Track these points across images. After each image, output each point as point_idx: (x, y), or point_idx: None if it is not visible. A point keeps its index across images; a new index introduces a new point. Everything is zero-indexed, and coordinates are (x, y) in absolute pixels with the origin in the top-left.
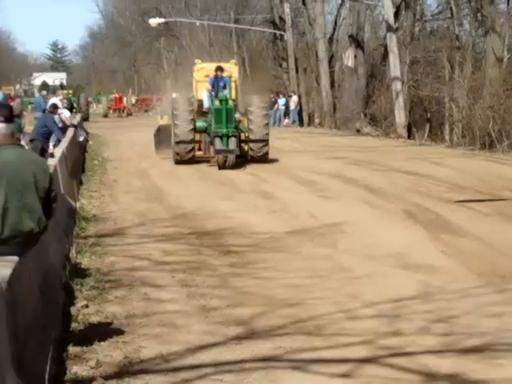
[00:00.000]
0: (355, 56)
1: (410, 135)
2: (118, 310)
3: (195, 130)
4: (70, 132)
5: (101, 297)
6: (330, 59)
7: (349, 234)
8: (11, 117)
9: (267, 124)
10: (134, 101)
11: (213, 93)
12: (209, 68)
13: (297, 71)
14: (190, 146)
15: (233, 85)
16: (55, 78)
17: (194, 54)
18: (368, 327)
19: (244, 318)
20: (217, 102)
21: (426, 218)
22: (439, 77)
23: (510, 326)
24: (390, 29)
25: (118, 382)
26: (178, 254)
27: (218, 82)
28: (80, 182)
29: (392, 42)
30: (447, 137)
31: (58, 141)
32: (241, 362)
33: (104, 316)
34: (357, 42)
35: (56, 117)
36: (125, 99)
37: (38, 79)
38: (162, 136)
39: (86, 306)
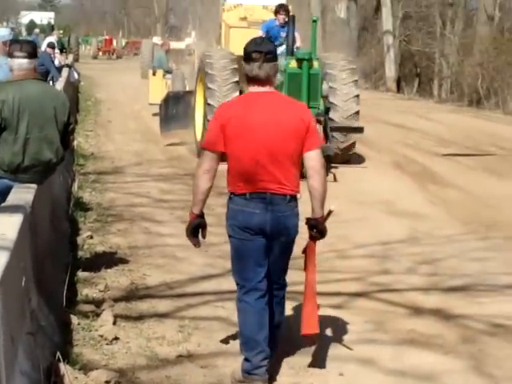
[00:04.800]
0: (347, 8)
1: (399, 89)
2: (121, 241)
3: None
4: (65, 72)
5: (104, 229)
6: (322, 10)
7: (339, 181)
8: (34, 52)
9: (357, 96)
10: (123, 43)
11: None
12: (248, 7)
13: None
14: None
15: (297, 36)
16: (43, 17)
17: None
18: (358, 266)
19: None
20: (292, 63)
21: (414, 169)
22: (430, 32)
23: (490, 270)
24: None
25: (126, 305)
26: (176, 193)
27: (279, 31)
28: (75, 122)
29: None
30: (436, 92)
31: (52, 79)
32: None
33: (108, 246)
34: None
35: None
36: (115, 42)
37: (26, 18)
38: (172, 108)
39: (91, 237)
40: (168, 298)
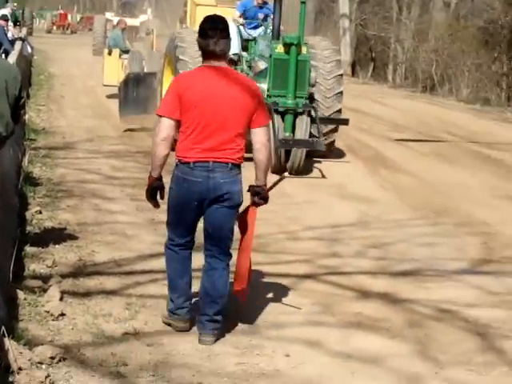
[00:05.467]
0: None
1: (353, 73)
2: (71, 217)
3: None
4: (18, 45)
5: (53, 204)
6: None
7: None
8: None
9: (341, 92)
10: (78, 19)
11: (244, 28)
12: None
13: None
14: None
15: None
16: None
17: None
18: (308, 248)
19: None
20: (279, 48)
21: (367, 153)
22: (386, 17)
23: (439, 255)
24: None
25: (73, 281)
26: (127, 170)
27: (256, 12)
28: (27, 96)
29: None
30: (390, 77)
31: (5, 52)
32: None
33: (57, 222)
34: None
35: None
36: (69, 16)
37: None
38: (132, 91)
39: (40, 212)
40: (116, 275)
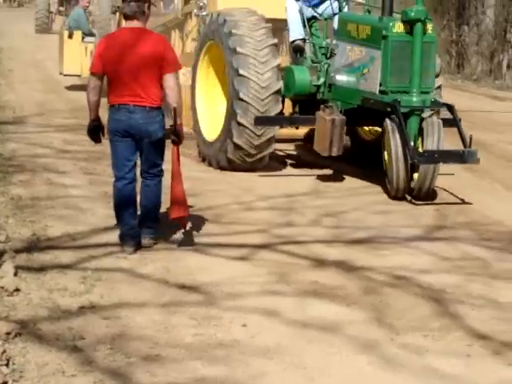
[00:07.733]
0: None
1: None
2: (23, 192)
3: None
4: None
5: (5, 179)
6: None
7: None
8: None
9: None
10: None
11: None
12: None
13: None
14: (268, 131)
15: None
16: None
17: None
18: (263, 218)
19: None
20: (398, 26)
21: None
22: None
23: (393, 223)
24: None
25: (28, 256)
26: (79, 144)
27: None
28: None
29: None
30: None
31: None
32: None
33: (9, 197)
34: None
35: None
36: None
37: None
38: None
39: None
40: (71, 249)
